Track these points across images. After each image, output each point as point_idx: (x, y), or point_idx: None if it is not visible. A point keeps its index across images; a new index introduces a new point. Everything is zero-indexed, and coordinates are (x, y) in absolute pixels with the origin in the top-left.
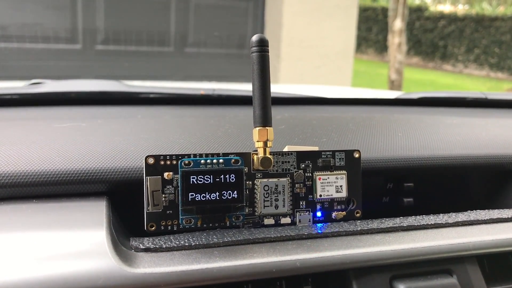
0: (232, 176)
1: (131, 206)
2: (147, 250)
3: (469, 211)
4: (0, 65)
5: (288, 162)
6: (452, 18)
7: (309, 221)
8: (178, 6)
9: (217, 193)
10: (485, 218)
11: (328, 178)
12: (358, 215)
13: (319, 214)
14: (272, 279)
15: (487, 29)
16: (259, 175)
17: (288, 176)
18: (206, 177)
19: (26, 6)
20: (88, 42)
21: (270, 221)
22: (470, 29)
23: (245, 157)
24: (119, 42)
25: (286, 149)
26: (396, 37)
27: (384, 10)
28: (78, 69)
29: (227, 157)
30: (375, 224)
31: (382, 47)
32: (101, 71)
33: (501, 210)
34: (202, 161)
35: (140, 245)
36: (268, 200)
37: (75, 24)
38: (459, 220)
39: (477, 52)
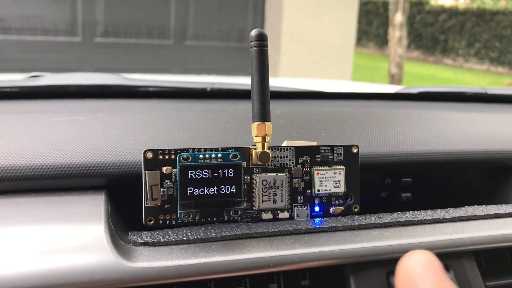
0: (231, 170)
1: (129, 200)
2: (145, 244)
3: (466, 206)
4: None
5: (287, 157)
6: (453, 12)
7: (307, 215)
8: None
9: (216, 188)
10: (483, 214)
11: (326, 173)
12: (356, 210)
13: (317, 209)
14: (270, 274)
15: (488, 23)
16: (257, 170)
17: (287, 171)
18: (205, 172)
19: None
20: (88, 35)
21: (268, 215)
22: (471, 23)
23: (244, 152)
24: (119, 34)
25: (284, 144)
26: (397, 31)
27: (385, 4)
28: (78, 61)
29: (225, 152)
30: (372, 219)
31: (382, 41)
32: (100, 64)
33: (499, 205)
34: (201, 155)
35: (139, 239)
36: (266, 195)
37: (74, 17)
38: (457, 215)
39: (478, 46)
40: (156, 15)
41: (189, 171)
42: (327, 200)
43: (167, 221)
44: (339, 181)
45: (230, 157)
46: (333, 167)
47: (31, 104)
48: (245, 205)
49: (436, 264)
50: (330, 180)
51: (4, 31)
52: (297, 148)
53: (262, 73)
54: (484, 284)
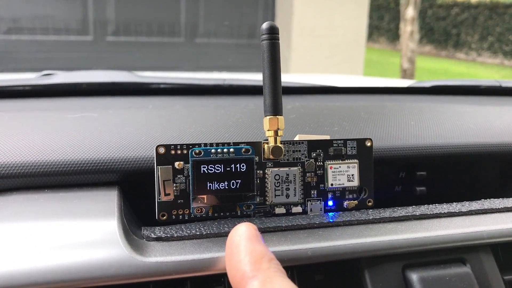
0: (243, 165)
1: (142, 195)
2: (158, 239)
3: (482, 199)
4: (12, 57)
5: (299, 151)
6: (465, 6)
7: (321, 210)
8: None
9: (228, 182)
10: (499, 207)
11: (340, 167)
12: (370, 204)
13: (330, 203)
14: (284, 268)
15: (501, 16)
16: (270, 164)
17: (299, 165)
18: (217, 166)
19: None
20: (99, 34)
21: (281, 210)
22: (483, 16)
23: (256, 146)
24: (130, 33)
25: (297, 138)
26: (408, 26)
27: None
28: (90, 60)
29: (237, 147)
30: (387, 213)
31: (394, 36)
32: (112, 62)
33: None
34: (213, 150)
35: (152, 234)
36: (279, 189)
37: (86, 16)
38: (473, 208)
39: (491, 40)
40: (167, 13)
41: (202, 166)
42: (340, 194)
43: (180, 216)
44: (352, 175)
45: (242, 151)
46: (346, 161)
47: (43, 102)
48: (258, 199)
49: (252, 233)
50: (343, 174)
51: (16, 31)
52: (310, 142)
53: (273, 66)
54: (502, 277)
